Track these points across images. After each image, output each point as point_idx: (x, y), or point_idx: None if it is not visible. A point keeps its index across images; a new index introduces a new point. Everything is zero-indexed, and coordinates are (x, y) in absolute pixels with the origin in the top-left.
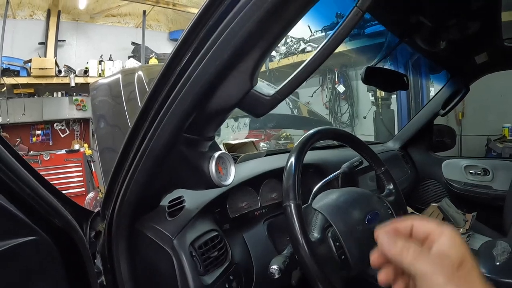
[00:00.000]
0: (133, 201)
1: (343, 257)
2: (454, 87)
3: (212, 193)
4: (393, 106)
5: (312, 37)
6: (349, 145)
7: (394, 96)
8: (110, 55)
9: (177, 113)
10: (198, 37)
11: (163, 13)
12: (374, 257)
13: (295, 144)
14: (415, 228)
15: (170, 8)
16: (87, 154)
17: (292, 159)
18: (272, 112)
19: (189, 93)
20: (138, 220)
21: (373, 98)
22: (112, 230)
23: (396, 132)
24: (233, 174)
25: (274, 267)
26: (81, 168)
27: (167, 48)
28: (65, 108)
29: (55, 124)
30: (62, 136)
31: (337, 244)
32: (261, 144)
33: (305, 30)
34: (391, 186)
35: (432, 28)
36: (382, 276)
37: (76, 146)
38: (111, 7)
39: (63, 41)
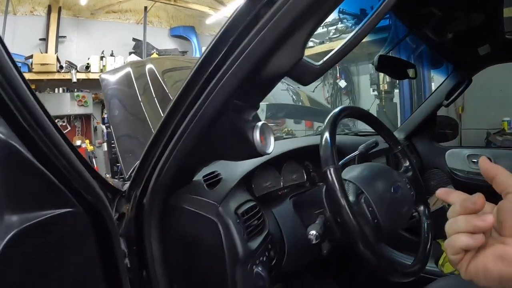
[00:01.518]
0: (172, 175)
1: (375, 220)
2: (457, 78)
3: (243, 168)
4: (396, 99)
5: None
6: (370, 124)
7: (396, 90)
8: (112, 51)
9: (233, 79)
10: (255, 8)
11: (163, 9)
12: (441, 192)
13: (326, 120)
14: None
15: (171, 4)
16: (88, 150)
17: (327, 133)
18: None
19: (248, 60)
20: (172, 196)
21: (375, 92)
22: (145, 207)
23: (399, 125)
24: (273, 143)
25: (313, 232)
26: None
27: (168, 44)
28: (66, 104)
29: (56, 120)
30: (64, 132)
31: (370, 209)
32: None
33: None
34: (407, 163)
35: (440, 20)
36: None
37: (78, 142)
38: (112, 3)
39: (64, 37)
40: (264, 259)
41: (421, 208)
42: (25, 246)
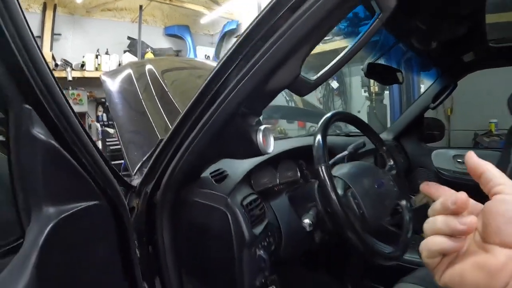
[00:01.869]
0: (185, 171)
1: (361, 211)
2: (443, 83)
3: (245, 166)
4: (386, 101)
5: None
6: (358, 128)
7: (387, 92)
8: (107, 49)
9: (243, 91)
10: (261, 32)
11: (158, 8)
12: (424, 186)
13: (319, 123)
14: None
15: (167, 3)
16: None
17: (319, 135)
18: (276, 104)
19: (255, 76)
20: (182, 190)
21: (366, 93)
22: (157, 201)
23: (388, 125)
24: (273, 144)
25: (307, 221)
26: None
27: (162, 43)
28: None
29: None
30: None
31: (356, 201)
32: None
33: None
34: (392, 162)
35: (425, 30)
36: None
37: None
38: (108, 1)
39: (59, 34)
40: (265, 244)
41: (404, 202)
42: (62, 234)
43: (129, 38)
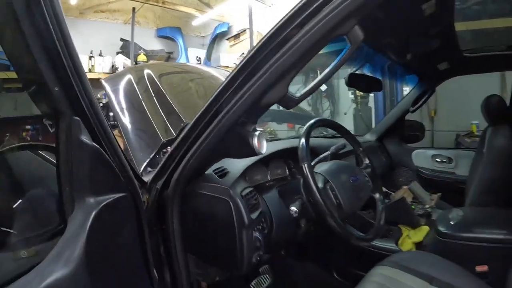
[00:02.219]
0: (194, 168)
1: (337, 201)
2: (422, 88)
3: (242, 164)
4: (371, 103)
5: None
6: (338, 131)
7: (371, 95)
8: (100, 51)
9: (243, 106)
10: (255, 61)
11: (151, 10)
12: None
13: (304, 128)
14: None
15: (160, 6)
16: None
17: (303, 139)
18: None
19: (252, 94)
20: (190, 185)
21: (353, 96)
22: (168, 195)
23: (373, 127)
24: (266, 146)
25: (293, 209)
26: None
27: (155, 44)
28: None
29: (44, 119)
30: (52, 130)
31: (333, 193)
32: None
33: None
34: (367, 161)
35: (400, 45)
36: None
37: None
38: (101, 3)
39: None
40: (260, 227)
41: (377, 195)
42: (103, 220)
43: (122, 39)
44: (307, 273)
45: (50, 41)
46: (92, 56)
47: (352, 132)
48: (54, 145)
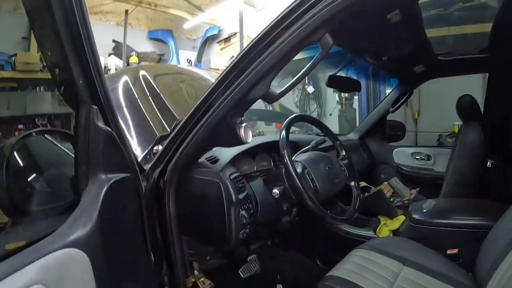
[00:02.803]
0: (189, 156)
1: (314, 185)
2: (401, 90)
3: (231, 153)
4: (356, 105)
5: None
6: (317, 126)
7: (356, 97)
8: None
9: (231, 101)
10: (243, 62)
11: (143, 12)
12: None
13: (284, 123)
14: None
15: (152, 9)
16: None
17: (284, 131)
18: (255, 108)
19: (239, 91)
20: (185, 171)
21: (338, 98)
22: (165, 181)
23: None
24: (251, 136)
25: (275, 191)
26: None
27: (146, 46)
28: (47, 103)
29: (36, 119)
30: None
31: (310, 177)
32: None
33: None
34: (344, 153)
35: (375, 50)
36: None
37: None
38: (95, 5)
39: None
40: (246, 207)
41: (352, 183)
42: (112, 194)
43: (114, 41)
44: (292, 261)
45: (78, 37)
46: None
47: (337, 132)
48: (66, 131)
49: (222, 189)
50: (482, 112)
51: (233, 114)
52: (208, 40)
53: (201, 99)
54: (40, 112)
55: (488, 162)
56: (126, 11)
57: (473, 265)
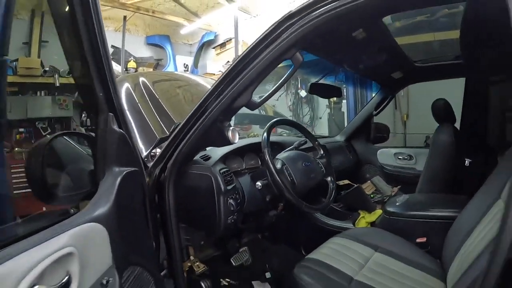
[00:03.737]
0: (186, 152)
1: (291, 179)
2: (382, 95)
3: (221, 152)
4: (344, 108)
5: None
6: (296, 128)
7: (344, 101)
8: None
9: (221, 107)
10: (230, 76)
11: (141, 18)
12: None
13: (266, 126)
14: None
15: (150, 15)
16: None
17: (265, 133)
18: (248, 112)
19: (227, 100)
20: (182, 167)
21: (327, 102)
22: (166, 175)
23: None
24: (238, 138)
25: (259, 183)
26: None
27: (144, 51)
28: (48, 107)
29: (36, 122)
30: (44, 134)
31: (288, 172)
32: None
33: None
34: (322, 152)
35: (351, 60)
36: None
37: None
38: None
39: (47, 42)
40: (233, 197)
41: (329, 178)
42: (125, 183)
43: (112, 46)
44: (280, 252)
45: (99, 58)
46: None
47: (327, 134)
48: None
49: (213, 180)
50: (461, 114)
51: (222, 119)
52: (204, 46)
53: (196, 107)
54: (41, 115)
55: (466, 161)
56: (125, 17)
57: (440, 252)
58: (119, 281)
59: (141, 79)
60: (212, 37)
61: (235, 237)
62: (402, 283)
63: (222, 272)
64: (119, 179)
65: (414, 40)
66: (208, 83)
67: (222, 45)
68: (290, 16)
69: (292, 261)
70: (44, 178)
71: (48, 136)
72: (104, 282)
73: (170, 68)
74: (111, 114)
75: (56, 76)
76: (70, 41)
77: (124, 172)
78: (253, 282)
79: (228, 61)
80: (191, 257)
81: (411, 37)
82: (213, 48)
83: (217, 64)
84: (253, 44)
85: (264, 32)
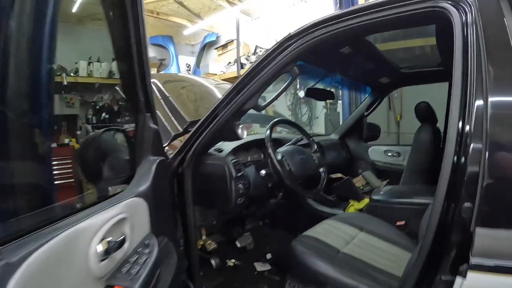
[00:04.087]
0: (203, 146)
1: (289, 168)
2: (373, 97)
3: (232, 145)
4: (339, 109)
5: None
6: (294, 127)
7: (340, 102)
8: (98, 57)
9: (233, 109)
10: (242, 83)
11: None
12: None
13: (268, 125)
14: None
15: (154, 17)
16: (76, 148)
17: (268, 131)
18: (251, 112)
19: (238, 104)
20: (199, 158)
21: (324, 103)
22: (184, 166)
23: None
24: (246, 134)
25: (262, 172)
26: (70, 161)
27: (148, 51)
28: (55, 105)
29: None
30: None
31: (287, 163)
32: None
33: (273, 43)
34: (315, 147)
35: (342, 69)
36: None
37: (66, 140)
38: (100, 11)
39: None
40: (242, 182)
41: (321, 169)
42: (159, 169)
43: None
44: (279, 237)
45: (142, 65)
46: (91, 62)
47: (323, 132)
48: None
49: (226, 168)
50: (445, 115)
51: (233, 119)
52: (206, 46)
53: (212, 109)
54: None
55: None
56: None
57: (417, 233)
58: (157, 244)
59: (153, 80)
60: (214, 38)
61: (239, 224)
62: (379, 255)
63: (228, 254)
64: (154, 165)
65: (396, 46)
66: (209, 83)
67: (224, 46)
68: (289, 38)
69: (289, 243)
70: (98, 163)
71: (98, 130)
72: (146, 243)
73: (173, 68)
74: (148, 114)
75: (64, 75)
76: (124, 55)
77: (158, 160)
78: (255, 263)
79: (230, 62)
80: (203, 237)
81: (396, 43)
82: (215, 49)
83: (219, 65)
84: (259, 59)
85: (268, 50)
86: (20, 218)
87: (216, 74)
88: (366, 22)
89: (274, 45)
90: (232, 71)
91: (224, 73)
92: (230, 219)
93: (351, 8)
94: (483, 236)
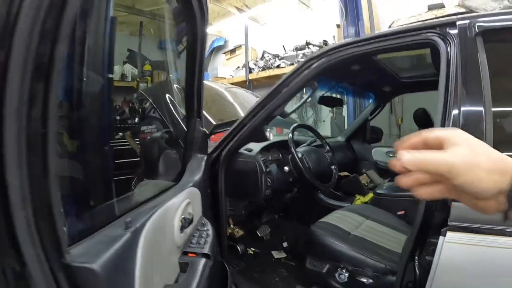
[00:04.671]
0: (236, 146)
1: (308, 165)
2: (376, 103)
3: (260, 146)
4: (344, 113)
5: (286, 55)
6: (310, 130)
7: (345, 106)
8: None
9: (263, 116)
10: (270, 97)
11: (156, 23)
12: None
13: (290, 128)
14: (426, 139)
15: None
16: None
17: (290, 134)
18: None
19: (267, 112)
20: (232, 156)
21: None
22: (220, 162)
23: None
24: (272, 136)
25: (286, 168)
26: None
27: (157, 55)
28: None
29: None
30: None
31: (306, 160)
32: None
33: (280, 49)
34: (328, 148)
35: (351, 80)
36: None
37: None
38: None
39: None
40: (269, 177)
41: (333, 167)
42: (206, 165)
43: (128, 50)
44: (293, 228)
45: (199, 78)
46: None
47: (329, 135)
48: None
49: (257, 165)
50: None
51: (263, 123)
52: (214, 50)
53: (245, 115)
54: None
55: None
56: (141, 23)
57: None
58: (209, 223)
59: None
60: (222, 43)
61: (257, 217)
62: (383, 237)
63: (248, 243)
64: (204, 160)
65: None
66: (219, 87)
67: (232, 51)
68: (310, 59)
69: (302, 234)
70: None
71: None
72: (203, 222)
73: None
74: (198, 119)
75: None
76: (190, 74)
77: (204, 158)
78: (272, 251)
79: (238, 67)
80: (231, 226)
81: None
82: (224, 53)
83: (227, 69)
84: (287, 75)
85: (293, 69)
86: (131, 195)
87: (225, 78)
88: (375, 48)
89: (299, 64)
90: (241, 76)
91: (233, 77)
92: (251, 211)
93: (363, 36)
94: (456, 208)
